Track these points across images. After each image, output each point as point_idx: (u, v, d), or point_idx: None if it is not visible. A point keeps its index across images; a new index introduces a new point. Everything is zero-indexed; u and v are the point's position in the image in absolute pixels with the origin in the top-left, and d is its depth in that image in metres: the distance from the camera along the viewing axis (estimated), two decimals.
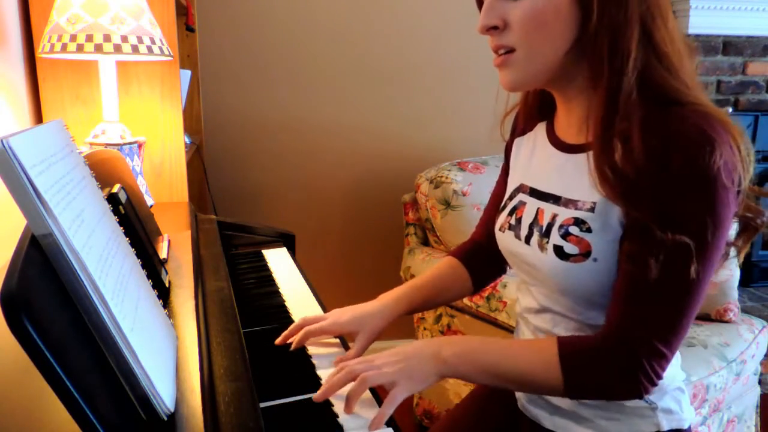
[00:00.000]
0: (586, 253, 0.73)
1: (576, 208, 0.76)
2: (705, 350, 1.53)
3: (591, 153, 0.73)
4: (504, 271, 1.04)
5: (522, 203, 0.85)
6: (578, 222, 0.75)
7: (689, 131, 0.66)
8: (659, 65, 0.70)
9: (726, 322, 1.69)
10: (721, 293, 1.68)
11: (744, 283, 2.71)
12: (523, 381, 0.74)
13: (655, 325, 0.69)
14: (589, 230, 0.74)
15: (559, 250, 0.76)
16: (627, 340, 0.70)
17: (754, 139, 2.68)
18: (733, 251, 0.77)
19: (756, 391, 1.74)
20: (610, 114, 0.70)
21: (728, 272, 1.67)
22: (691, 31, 2.46)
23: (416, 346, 0.75)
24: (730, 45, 2.58)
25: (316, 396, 0.69)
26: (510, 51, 0.74)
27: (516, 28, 0.72)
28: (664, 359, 0.69)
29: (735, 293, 1.70)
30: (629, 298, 0.70)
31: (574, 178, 0.78)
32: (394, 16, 2.23)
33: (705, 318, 1.71)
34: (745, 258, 2.95)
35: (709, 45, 2.56)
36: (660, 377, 0.70)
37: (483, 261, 1.01)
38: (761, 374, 1.86)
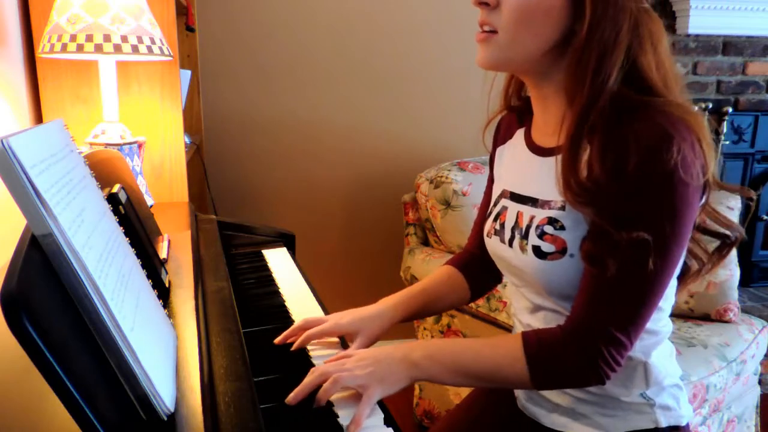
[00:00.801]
0: (562, 250, 0.75)
1: (550, 208, 0.78)
2: (705, 350, 1.53)
3: (558, 158, 0.75)
4: (500, 280, 1.05)
5: (504, 208, 0.87)
6: (552, 221, 0.77)
7: (646, 129, 0.68)
8: (636, 87, 0.72)
9: (726, 322, 1.69)
10: (721, 293, 1.68)
11: (744, 283, 2.71)
12: (492, 377, 0.76)
13: (613, 315, 0.71)
14: (562, 228, 0.76)
15: (537, 250, 0.78)
16: (587, 330, 0.72)
17: (753, 139, 2.68)
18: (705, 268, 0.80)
19: (756, 391, 1.74)
20: (580, 126, 0.72)
21: (728, 272, 1.67)
22: (691, 31, 2.46)
23: (387, 350, 0.76)
24: (730, 45, 2.58)
25: (288, 398, 0.70)
26: (493, 31, 0.74)
27: (505, 12, 0.73)
28: (622, 347, 0.72)
29: (735, 293, 1.70)
30: (590, 293, 0.72)
31: (549, 179, 0.79)
32: (395, 16, 2.23)
33: (705, 318, 1.71)
34: (745, 258, 2.95)
35: (709, 45, 2.57)
36: (619, 364, 0.73)
37: (479, 270, 1.02)
38: (761, 374, 1.86)
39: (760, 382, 1.76)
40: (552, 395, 0.85)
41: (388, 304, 0.92)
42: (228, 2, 2.10)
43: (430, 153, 2.33)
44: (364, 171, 2.34)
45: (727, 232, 0.79)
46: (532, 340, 0.75)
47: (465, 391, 1.72)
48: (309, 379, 0.71)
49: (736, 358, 1.55)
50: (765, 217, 2.70)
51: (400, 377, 0.74)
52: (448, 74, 2.32)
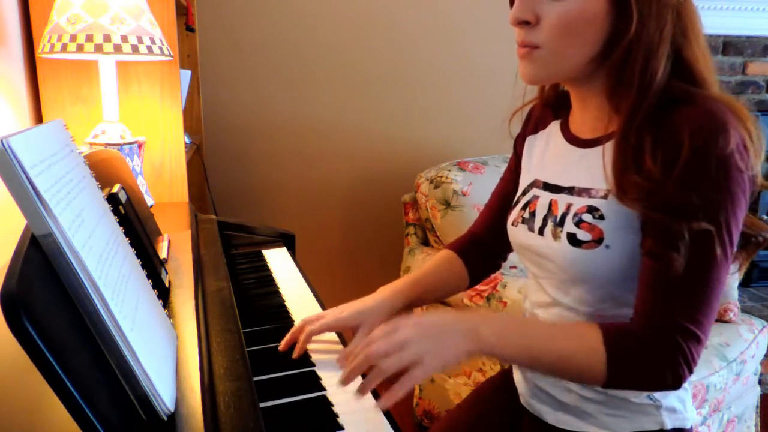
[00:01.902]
0: (598, 240, 0.74)
1: (590, 196, 0.77)
2: (705, 350, 1.53)
3: (606, 146, 0.74)
4: (499, 267, 1.05)
5: (535, 197, 0.86)
6: (591, 209, 0.75)
7: (699, 117, 0.67)
8: (685, 79, 0.71)
9: (726, 322, 1.69)
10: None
11: (744, 283, 2.71)
12: (563, 366, 0.72)
13: (685, 309, 0.68)
14: (601, 217, 0.74)
15: (572, 238, 0.76)
16: (662, 324, 0.69)
17: None
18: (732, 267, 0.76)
19: (756, 391, 1.74)
20: (630, 126, 0.71)
21: None
22: None
23: (448, 319, 0.71)
24: (730, 45, 2.58)
25: (340, 380, 0.67)
26: (535, 47, 0.74)
27: (547, 29, 0.72)
28: (699, 342, 0.69)
29: (735, 293, 1.70)
30: (657, 288, 0.69)
31: (589, 168, 0.79)
32: (395, 17, 2.23)
33: None
34: None
35: (709, 45, 2.56)
36: (696, 363, 0.69)
37: (480, 255, 1.01)
38: (761, 374, 1.86)
39: (760, 382, 1.76)
40: (557, 393, 0.85)
41: (387, 292, 0.91)
42: (228, 2, 2.10)
43: (430, 153, 2.33)
44: (364, 171, 2.33)
45: (752, 232, 0.76)
46: (612, 333, 0.70)
47: (465, 391, 1.72)
48: (357, 363, 0.66)
49: (736, 358, 1.55)
50: (765, 217, 2.70)
51: (459, 350, 0.68)
52: (448, 74, 2.32)
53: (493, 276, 1.40)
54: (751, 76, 2.64)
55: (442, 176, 1.86)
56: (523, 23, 0.73)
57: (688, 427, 0.84)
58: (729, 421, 1.64)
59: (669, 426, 0.81)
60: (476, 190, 1.83)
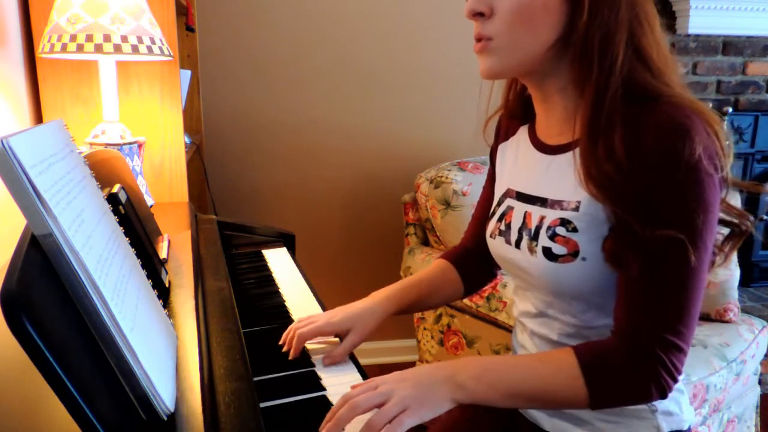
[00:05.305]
0: (574, 253, 0.73)
1: (561, 209, 0.76)
2: (705, 350, 1.53)
3: (576, 152, 0.73)
4: (495, 276, 1.04)
5: (510, 208, 0.85)
6: (564, 222, 0.75)
7: (662, 123, 0.67)
8: (644, 68, 0.71)
9: (726, 322, 1.69)
10: (721, 293, 1.68)
11: (744, 283, 2.71)
12: (546, 398, 0.71)
13: (664, 320, 0.68)
14: (575, 230, 0.74)
15: (547, 252, 0.76)
16: (640, 339, 0.68)
17: (753, 139, 2.68)
18: (719, 258, 0.77)
19: (756, 391, 1.74)
20: (597, 113, 0.70)
21: (728, 272, 1.67)
22: (691, 31, 2.46)
23: (427, 370, 0.70)
24: (730, 45, 2.58)
25: None
26: (490, 39, 0.73)
27: (499, 19, 0.71)
28: (680, 352, 0.68)
29: (735, 293, 1.70)
30: (630, 297, 0.69)
31: (559, 178, 0.78)
32: (394, 16, 2.23)
33: (705, 318, 1.71)
34: (745, 258, 2.94)
35: (709, 45, 2.56)
36: (680, 372, 0.69)
37: (473, 265, 1.01)
38: (761, 374, 1.86)
39: (760, 382, 1.76)
40: None
41: (379, 297, 0.91)
42: (228, 2, 2.10)
43: (430, 153, 2.33)
44: (364, 171, 2.33)
45: (737, 221, 0.76)
46: (587, 355, 0.70)
47: None
48: (342, 413, 0.63)
49: (736, 358, 1.55)
50: (765, 217, 2.70)
51: (442, 400, 0.68)
52: (448, 74, 2.32)
53: None
54: (751, 76, 2.64)
55: (442, 176, 1.86)
56: (478, 15, 0.73)
57: (685, 428, 0.83)
58: (729, 421, 1.64)
59: (666, 429, 0.81)
60: (476, 190, 1.83)
